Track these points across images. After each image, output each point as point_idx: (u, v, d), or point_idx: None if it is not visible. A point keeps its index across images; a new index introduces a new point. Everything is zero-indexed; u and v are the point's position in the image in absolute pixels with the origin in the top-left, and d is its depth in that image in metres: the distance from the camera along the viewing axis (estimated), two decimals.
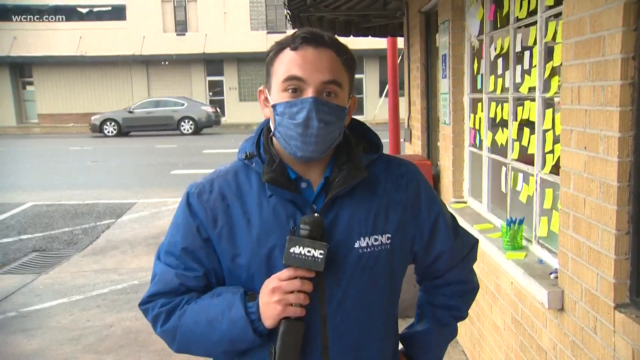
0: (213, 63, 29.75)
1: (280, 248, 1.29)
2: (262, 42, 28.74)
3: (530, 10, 2.95)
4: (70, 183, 12.60)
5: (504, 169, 3.46)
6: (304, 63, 1.28)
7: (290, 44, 1.31)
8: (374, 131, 1.48)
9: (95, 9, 29.54)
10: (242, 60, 29.48)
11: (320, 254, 1.24)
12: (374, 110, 28.05)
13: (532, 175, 2.97)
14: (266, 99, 1.37)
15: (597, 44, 2.02)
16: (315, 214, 1.30)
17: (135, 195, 10.95)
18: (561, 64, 2.36)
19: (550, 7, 2.68)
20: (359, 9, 6.74)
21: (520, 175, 3.18)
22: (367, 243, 1.34)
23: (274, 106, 1.31)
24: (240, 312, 1.27)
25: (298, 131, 1.27)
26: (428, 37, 5.46)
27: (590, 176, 2.12)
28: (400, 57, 8.66)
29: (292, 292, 1.24)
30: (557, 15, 2.59)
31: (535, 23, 2.86)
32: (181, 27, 29.76)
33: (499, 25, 3.49)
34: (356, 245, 1.32)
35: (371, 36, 8.01)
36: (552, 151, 2.71)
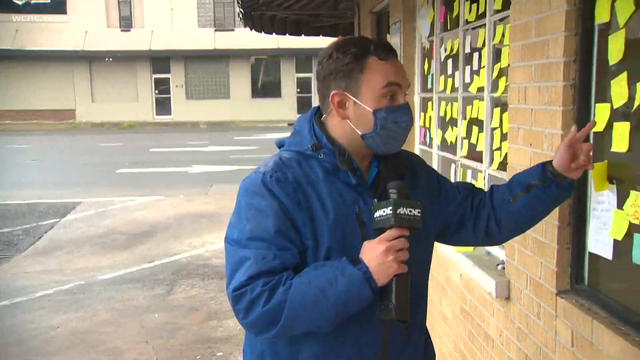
0: (159, 60, 29.19)
1: (351, 229, 1.44)
2: (209, 39, 28.46)
3: (479, 13, 3.07)
4: (9, 182, 12.14)
5: (453, 165, 3.60)
6: (396, 71, 1.47)
7: (379, 55, 1.45)
8: None
9: (33, 2, 28.41)
10: (190, 57, 29.07)
11: (418, 212, 1.39)
12: None
13: (481, 172, 3.10)
14: (342, 102, 1.48)
15: (542, 47, 2.15)
16: (399, 182, 1.44)
17: (80, 195, 10.66)
18: (508, 65, 2.49)
19: (498, 11, 2.81)
20: (310, 9, 6.80)
21: (469, 172, 3.31)
22: None
23: (375, 111, 1.45)
24: (357, 273, 1.35)
25: (403, 133, 1.49)
26: (379, 36, 5.57)
27: None
28: None
29: (399, 250, 1.37)
30: (505, 19, 2.72)
31: (484, 26, 2.99)
32: (126, 22, 29.06)
33: (449, 27, 3.61)
34: None
35: (322, 36, 8.10)
36: (499, 148, 2.84)
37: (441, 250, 3.44)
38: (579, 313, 1.96)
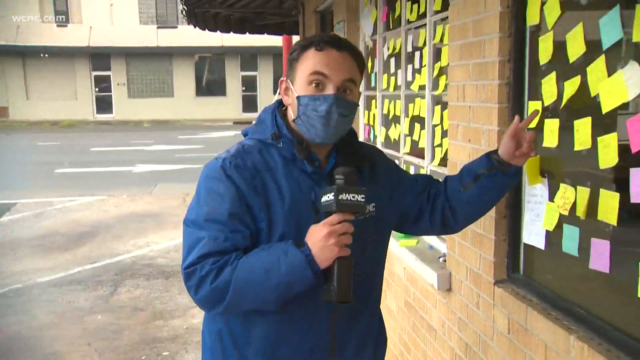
0: (99, 57, 28.33)
1: (307, 215, 1.50)
2: (152, 36, 27.85)
3: (420, 13, 3.16)
4: None
5: (397, 162, 3.67)
6: (328, 62, 1.51)
7: (316, 45, 1.52)
8: None
9: None
10: (131, 55, 28.36)
11: (362, 197, 1.42)
12: None
13: (423, 168, 3.20)
14: (286, 89, 1.59)
15: (479, 47, 2.24)
16: (348, 168, 1.48)
17: (15, 196, 10.25)
18: (448, 64, 2.58)
19: (437, 12, 2.90)
20: (254, 7, 6.79)
21: (412, 168, 3.40)
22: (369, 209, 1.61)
23: (298, 97, 1.53)
24: (300, 256, 1.41)
25: (320, 121, 1.51)
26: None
27: None
28: None
29: (342, 234, 1.41)
30: (445, 19, 2.81)
31: (424, 26, 3.08)
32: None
33: (391, 27, 3.70)
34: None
35: (267, 34, 8.09)
36: (440, 145, 2.93)
37: None
38: (514, 301, 2.06)
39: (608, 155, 1.63)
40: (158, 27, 28.29)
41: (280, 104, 1.66)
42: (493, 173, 1.71)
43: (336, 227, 1.41)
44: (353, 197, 1.42)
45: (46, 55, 27.68)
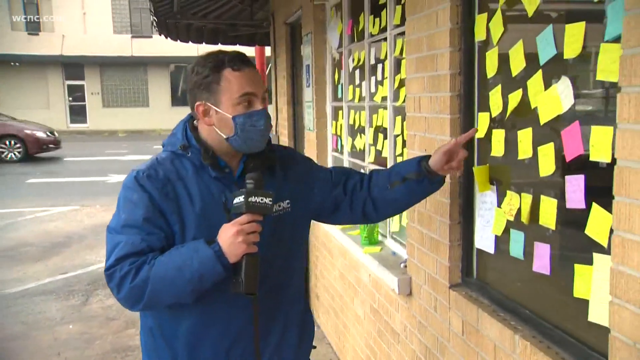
0: (73, 66, 28.02)
1: (218, 216, 1.65)
2: (126, 46, 27.66)
3: (381, 27, 3.27)
4: None
5: (362, 171, 3.76)
6: (250, 81, 1.67)
7: (232, 66, 1.66)
8: None
9: None
10: (106, 64, 28.13)
11: (270, 200, 1.60)
12: None
13: None
14: (206, 111, 1.70)
15: (432, 60, 2.34)
16: (257, 174, 1.65)
17: None
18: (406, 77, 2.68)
19: (397, 26, 3.01)
20: (227, 18, 6.86)
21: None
22: (275, 208, 1.75)
23: (234, 117, 1.66)
24: (209, 252, 1.57)
25: (259, 134, 1.69)
26: (294, 47, 5.72)
27: None
28: (269, 66, 8.88)
29: (250, 233, 1.57)
30: (403, 33, 2.91)
31: (386, 39, 3.18)
32: (33, 25, 27.61)
33: (356, 40, 3.80)
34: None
35: (239, 45, 8.15)
36: (402, 154, 3.03)
37: (351, 252, 3.60)
38: (467, 304, 2.16)
39: (547, 164, 1.74)
40: (132, 37, 28.12)
41: (191, 117, 1.80)
42: (420, 179, 1.86)
43: (245, 226, 1.57)
44: (261, 199, 1.59)
45: (17, 63, 27.29)
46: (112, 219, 1.70)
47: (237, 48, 8.64)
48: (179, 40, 7.98)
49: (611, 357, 1.38)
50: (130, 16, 28.46)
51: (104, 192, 11.70)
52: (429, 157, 1.89)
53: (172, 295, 1.62)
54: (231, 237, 1.57)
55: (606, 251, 1.45)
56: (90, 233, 8.32)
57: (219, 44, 7.87)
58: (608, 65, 1.41)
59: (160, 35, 7.75)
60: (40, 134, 17.47)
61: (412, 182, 1.88)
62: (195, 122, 1.79)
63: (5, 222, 9.00)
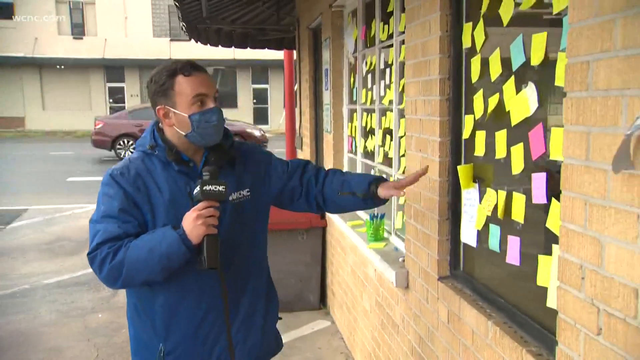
0: (113, 69, 28.91)
1: (184, 205, 1.87)
2: (165, 49, 28.37)
3: (389, 33, 3.43)
4: None
5: (372, 171, 3.93)
6: (202, 83, 1.91)
7: (184, 72, 1.90)
8: None
9: None
10: (145, 67, 28.88)
11: (223, 188, 1.84)
12: (279, 120, 28.47)
13: (392, 176, 3.44)
14: (166, 114, 1.93)
15: (425, 66, 2.49)
16: (212, 167, 1.90)
17: (27, 202, 10.61)
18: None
19: (402, 33, 3.16)
20: (255, 23, 7.09)
21: (385, 177, 3.64)
22: (236, 196, 2.02)
23: (190, 116, 1.89)
24: (175, 235, 1.82)
25: (213, 129, 1.92)
26: (316, 52, 5.90)
27: None
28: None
29: (208, 216, 1.81)
30: None
31: (392, 45, 3.34)
32: (78, 30, 28.62)
33: (368, 45, 3.96)
34: (230, 198, 1.98)
35: (267, 49, 8.38)
36: (405, 155, 3.18)
37: (360, 249, 3.76)
38: (452, 294, 2.30)
39: (517, 163, 1.88)
40: (171, 40, 28.84)
41: (158, 121, 2.03)
42: (367, 199, 2.12)
43: (203, 211, 1.82)
44: (215, 188, 1.83)
45: (62, 67, 28.32)
46: (94, 212, 1.95)
47: (266, 52, 8.89)
48: (209, 44, 8.26)
49: (558, 336, 1.52)
50: (169, 20, 29.16)
51: None
52: (380, 179, 2.14)
53: (145, 274, 1.86)
54: (192, 222, 1.82)
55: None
56: None
57: (248, 47, 8.11)
58: (563, 72, 1.55)
59: (190, 39, 8.04)
60: (256, 133, 18.83)
61: (359, 198, 2.12)
62: (160, 124, 2.02)
63: (45, 218, 9.44)
